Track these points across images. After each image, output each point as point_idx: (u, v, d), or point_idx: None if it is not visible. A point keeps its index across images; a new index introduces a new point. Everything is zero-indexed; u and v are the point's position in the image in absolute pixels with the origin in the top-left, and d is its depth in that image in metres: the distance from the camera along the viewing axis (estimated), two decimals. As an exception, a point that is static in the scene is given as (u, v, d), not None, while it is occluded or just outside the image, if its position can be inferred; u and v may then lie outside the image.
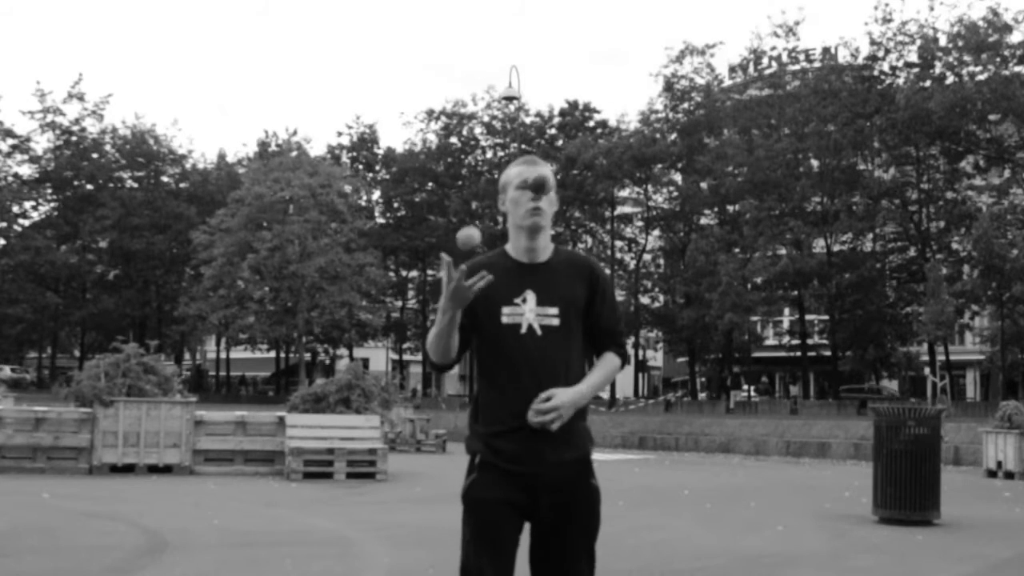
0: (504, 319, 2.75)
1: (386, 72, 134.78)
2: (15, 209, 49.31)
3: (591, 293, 2.82)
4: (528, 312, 2.75)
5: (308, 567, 6.47)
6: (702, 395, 49.15)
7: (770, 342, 47.47)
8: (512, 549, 2.74)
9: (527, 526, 2.81)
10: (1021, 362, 37.91)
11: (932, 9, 57.00)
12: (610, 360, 2.86)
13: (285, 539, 7.75)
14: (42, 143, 50.61)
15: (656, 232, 48.79)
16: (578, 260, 2.89)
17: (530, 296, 2.77)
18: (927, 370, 39.64)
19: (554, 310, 2.76)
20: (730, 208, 43.57)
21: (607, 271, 2.86)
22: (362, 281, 44.41)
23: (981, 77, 35.23)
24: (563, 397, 2.64)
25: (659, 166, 44.94)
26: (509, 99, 31.33)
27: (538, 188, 2.77)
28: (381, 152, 53.38)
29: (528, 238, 2.80)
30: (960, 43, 35.52)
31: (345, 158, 52.76)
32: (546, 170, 2.83)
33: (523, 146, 44.13)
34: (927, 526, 9.18)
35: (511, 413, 2.70)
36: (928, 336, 34.54)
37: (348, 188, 46.46)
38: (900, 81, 38.62)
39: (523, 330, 2.74)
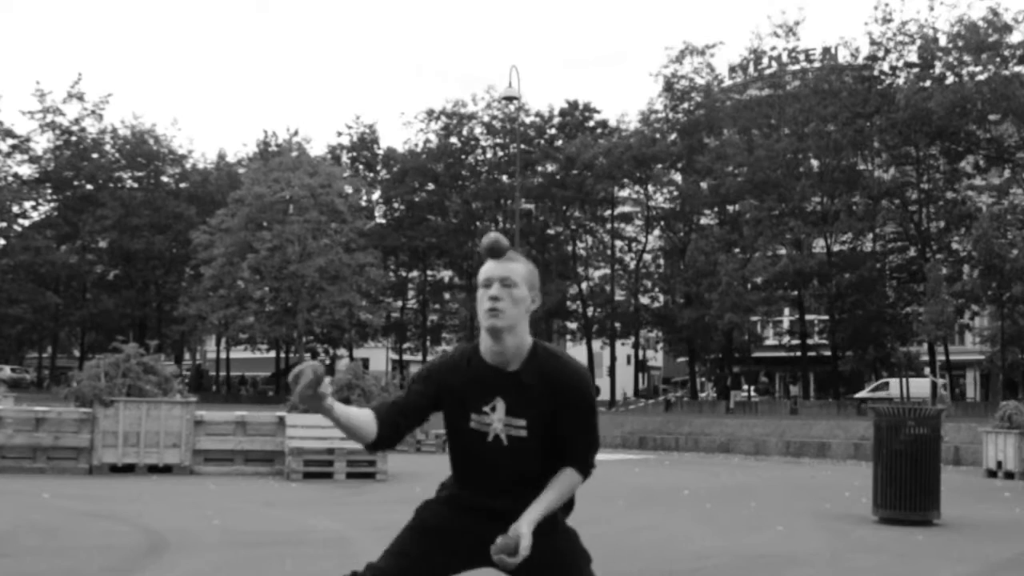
0: (472, 424, 2.67)
1: (386, 72, 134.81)
2: (15, 209, 49.26)
3: (562, 409, 2.65)
4: (496, 422, 2.64)
5: (308, 567, 6.46)
6: (703, 395, 49.10)
7: (770, 342, 47.47)
8: (441, 557, 2.67)
9: None
10: (1021, 362, 37.91)
11: (932, 9, 57.01)
12: (570, 476, 2.67)
13: (285, 539, 7.74)
14: (42, 143, 50.63)
15: (656, 232, 48.80)
16: (555, 372, 2.65)
17: (500, 405, 2.64)
18: (927, 370, 39.65)
19: (522, 421, 2.63)
20: (730, 208, 43.58)
21: (591, 386, 2.76)
22: (362, 281, 44.40)
23: (981, 77, 35.23)
24: (527, 542, 2.49)
25: (659, 166, 44.95)
26: (509, 99, 31.33)
27: (493, 252, 2.60)
28: (381, 152, 53.38)
29: (493, 341, 2.62)
30: (960, 43, 35.53)
31: (345, 158, 52.77)
32: (515, 265, 2.64)
33: (523, 146, 44.08)
34: (927, 526, 9.18)
35: (469, 503, 2.70)
36: (928, 336, 34.54)
37: (348, 188, 46.46)
38: (900, 81, 38.62)
39: (489, 438, 2.65)
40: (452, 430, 2.71)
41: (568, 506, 2.75)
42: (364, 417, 2.65)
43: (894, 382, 42.08)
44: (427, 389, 2.70)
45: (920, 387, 40.00)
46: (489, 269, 2.65)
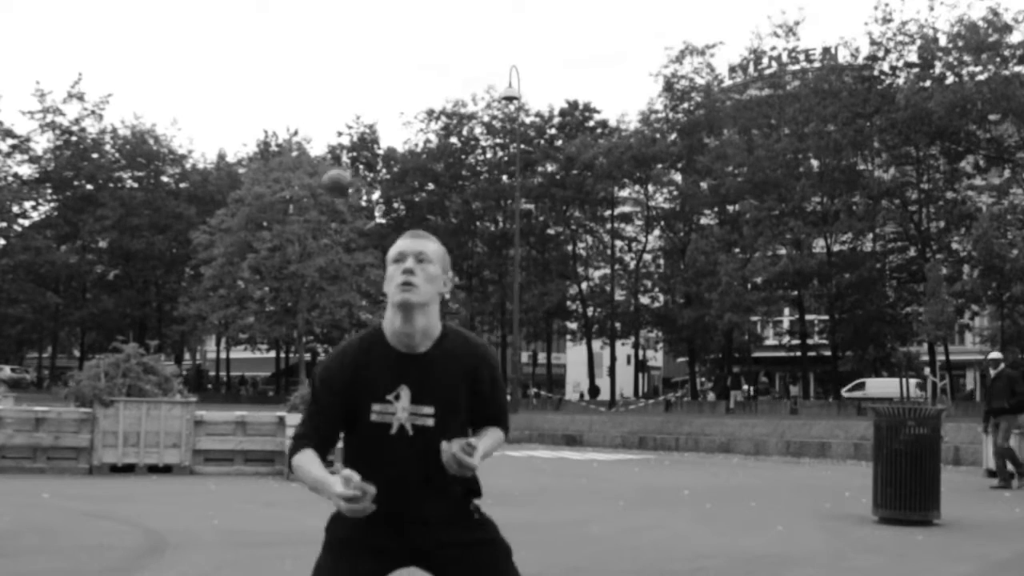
0: (373, 417, 2.48)
1: (386, 72, 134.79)
2: (15, 209, 49.29)
3: (474, 389, 2.53)
4: (400, 411, 2.47)
5: (308, 567, 6.44)
6: (709, 395, 49.09)
7: (770, 342, 47.48)
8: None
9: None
10: (1021, 362, 37.86)
11: (932, 9, 57.03)
12: (494, 433, 2.58)
13: (285, 539, 7.74)
14: (42, 143, 50.69)
15: (656, 232, 48.81)
16: (462, 350, 2.53)
17: (404, 392, 2.47)
18: (927, 370, 39.63)
19: (429, 409, 2.48)
20: (730, 208, 43.56)
21: (498, 356, 2.56)
22: (362, 281, 44.42)
23: (981, 77, 35.21)
24: (478, 461, 2.39)
25: (659, 166, 44.95)
26: (509, 99, 31.42)
27: (336, 188, 2.52)
28: (381, 152, 53.41)
29: (403, 320, 2.45)
30: (960, 43, 35.51)
31: (345, 158, 52.79)
32: (428, 243, 2.54)
33: (523, 146, 44.10)
34: (927, 526, 9.17)
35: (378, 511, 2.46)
36: (928, 336, 34.52)
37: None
38: (900, 81, 38.60)
39: (393, 430, 2.47)
40: (351, 427, 2.53)
41: (476, 491, 2.62)
42: (318, 464, 2.50)
43: (870, 382, 42.32)
44: (335, 393, 2.51)
45: (893, 387, 40.32)
46: (402, 244, 2.53)
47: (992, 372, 14.78)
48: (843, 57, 41.14)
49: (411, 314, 2.46)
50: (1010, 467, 13.79)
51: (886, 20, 38.07)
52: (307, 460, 2.46)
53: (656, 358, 62.27)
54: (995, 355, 15.48)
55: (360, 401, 2.49)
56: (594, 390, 49.76)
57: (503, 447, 2.56)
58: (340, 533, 2.58)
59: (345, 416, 2.52)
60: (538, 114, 50.36)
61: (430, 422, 2.48)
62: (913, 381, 40.07)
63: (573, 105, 50.28)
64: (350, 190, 2.89)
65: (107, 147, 52.25)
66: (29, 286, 48.85)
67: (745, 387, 42.08)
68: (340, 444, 2.64)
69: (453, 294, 52.75)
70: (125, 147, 51.99)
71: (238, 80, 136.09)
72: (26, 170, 50.58)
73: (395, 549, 2.56)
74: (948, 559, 7.50)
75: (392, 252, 2.54)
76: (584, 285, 48.82)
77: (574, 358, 62.62)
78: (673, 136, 44.95)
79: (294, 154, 47.28)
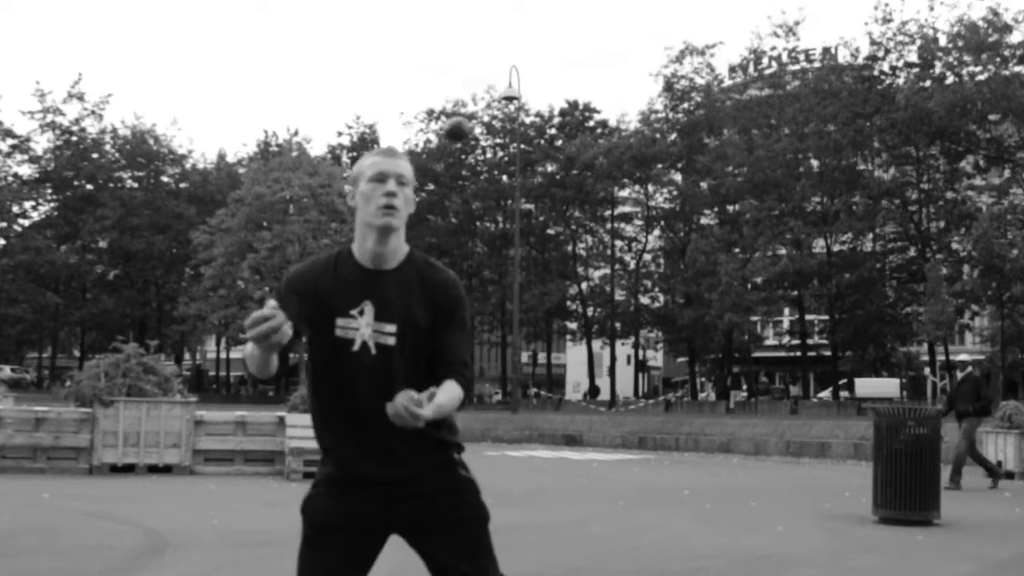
0: (337, 332, 2.44)
1: (386, 72, 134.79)
2: (15, 209, 49.30)
3: (436, 315, 2.47)
4: (364, 327, 2.43)
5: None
6: (703, 395, 49.11)
7: (770, 342, 47.48)
8: (347, 566, 2.51)
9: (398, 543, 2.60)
10: (1021, 362, 37.88)
11: (932, 9, 56.97)
12: (453, 387, 2.42)
13: (285, 539, 7.70)
14: (42, 143, 50.68)
15: (656, 232, 48.81)
16: (431, 275, 2.50)
17: (368, 308, 2.44)
18: (927, 370, 39.65)
19: (391, 327, 2.43)
20: (730, 208, 43.56)
21: (464, 292, 2.59)
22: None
23: (981, 77, 35.22)
24: (428, 412, 2.26)
25: (659, 166, 44.95)
26: (509, 99, 31.39)
27: (456, 135, 2.49)
28: (381, 152, 53.35)
29: (377, 241, 2.46)
30: (960, 43, 35.51)
31: (345, 158, 52.78)
32: (404, 163, 2.54)
33: (523, 146, 44.09)
34: (927, 526, 9.17)
35: (336, 433, 2.49)
36: (928, 336, 34.52)
37: (348, 188, 46.45)
38: (900, 81, 38.61)
39: (355, 347, 2.43)
40: (314, 344, 2.48)
41: (458, 446, 2.56)
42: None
43: (858, 381, 42.48)
44: (298, 294, 2.44)
45: (884, 386, 40.35)
46: (381, 164, 2.50)
47: (959, 374, 14.98)
48: (843, 57, 41.17)
49: (388, 236, 2.46)
50: (989, 466, 14.25)
51: (886, 20, 38.09)
52: (248, 345, 2.36)
53: (656, 358, 62.26)
54: (962, 358, 15.92)
55: (323, 314, 2.45)
56: (594, 390, 49.76)
57: (458, 411, 2.46)
58: (316, 517, 2.53)
59: (307, 323, 2.45)
60: (538, 114, 50.37)
61: (391, 340, 2.43)
62: (895, 381, 40.22)
63: (573, 105, 50.27)
64: (467, 136, 2.94)
65: (107, 147, 52.24)
66: (29, 286, 48.86)
67: (745, 387, 42.06)
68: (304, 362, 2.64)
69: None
70: (125, 147, 51.98)
71: (238, 80, 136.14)
72: (26, 170, 50.62)
73: (375, 522, 2.51)
74: (948, 559, 7.50)
75: (369, 169, 2.50)
76: (584, 285, 48.81)
77: (574, 358, 62.61)
78: (673, 136, 44.94)
79: (294, 154, 47.28)
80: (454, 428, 2.58)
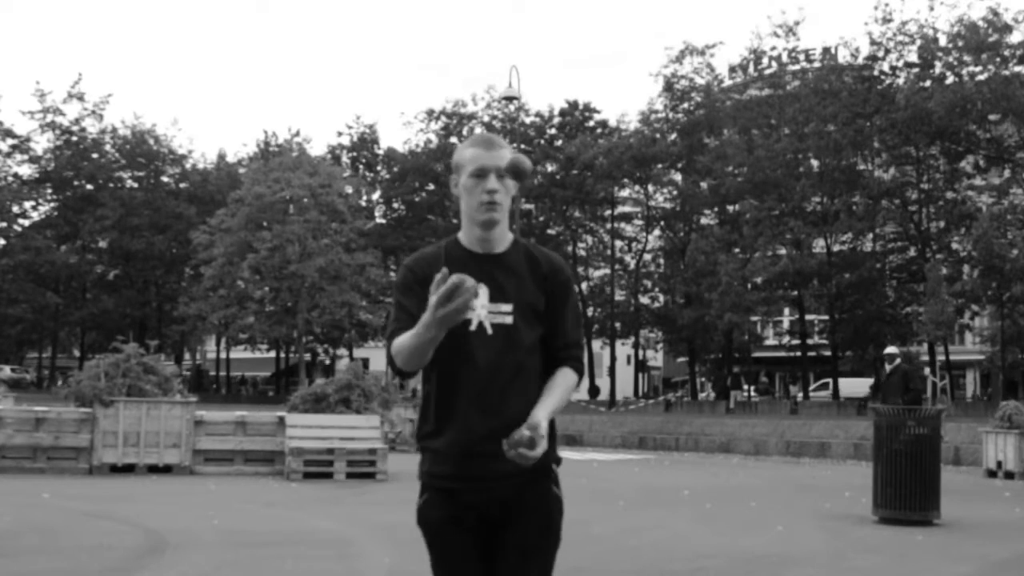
0: None
1: (386, 72, 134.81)
2: (15, 209, 49.33)
3: (549, 295, 2.55)
4: (480, 308, 2.49)
5: (308, 567, 6.47)
6: (703, 395, 49.13)
7: (770, 342, 47.48)
8: (472, 566, 2.54)
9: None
10: (1021, 362, 37.86)
11: (932, 9, 57.02)
12: (567, 376, 2.55)
13: (285, 539, 7.75)
14: (42, 143, 50.70)
15: (656, 232, 48.81)
16: (540, 257, 2.59)
17: (483, 291, 2.49)
18: (927, 370, 39.63)
19: (507, 307, 2.50)
20: (730, 208, 43.57)
21: (573, 275, 2.56)
22: (362, 281, 44.43)
23: (981, 77, 35.21)
24: (543, 429, 2.37)
25: (659, 166, 44.95)
26: (509, 99, 31.31)
27: (517, 175, 2.50)
28: (381, 152, 53.39)
29: (481, 234, 2.55)
30: (960, 43, 35.51)
31: (345, 158, 52.80)
32: (505, 153, 2.53)
33: (523, 146, 44.10)
34: (927, 526, 9.18)
35: (458, 420, 2.50)
36: (928, 336, 34.50)
37: (348, 188, 46.48)
38: (900, 81, 38.61)
39: (472, 327, 2.48)
40: None
41: (556, 459, 2.60)
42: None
43: (841, 381, 42.54)
44: (417, 294, 2.48)
45: (857, 386, 40.43)
46: (480, 157, 2.52)
47: (887, 366, 14.31)
48: (843, 57, 41.17)
49: (493, 228, 2.53)
50: None
51: (886, 20, 38.09)
52: (402, 337, 2.41)
53: (656, 358, 62.27)
54: (891, 350, 14.89)
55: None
56: (594, 390, 49.80)
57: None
58: (432, 515, 2.57)
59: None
60: (538, 114, 50.39)
61: (508, 319, 2.50)
62: (869, 380, 40.27)
63: (573, 105, 50.28)
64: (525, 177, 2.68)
65: (107, 147, 52.25)
66: (29, 286, 48.87)
67: (745, 387, 42.03)
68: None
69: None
70: (125, 147, 51.99)
71: (238, 80, 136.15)
72: (26, 170, 50.64)
73: (479, 512, 2.53)
74: (948, 559, 7.50)
75: (470, 164, 2.53)
76: (584, 285, 48.82)
77: (574, 358, 62.51)
78: (673, 136, 44.94)
79: (294, 154, 47.27)
80: (559, 458, 2.65)
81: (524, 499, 2.54)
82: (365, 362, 27.35)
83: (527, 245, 2.62)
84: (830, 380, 43.11)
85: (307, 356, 49.56)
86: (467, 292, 2.21)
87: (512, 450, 2.34)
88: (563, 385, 2.53)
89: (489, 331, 2.49)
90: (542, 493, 2.57)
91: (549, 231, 50.08)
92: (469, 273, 2.34)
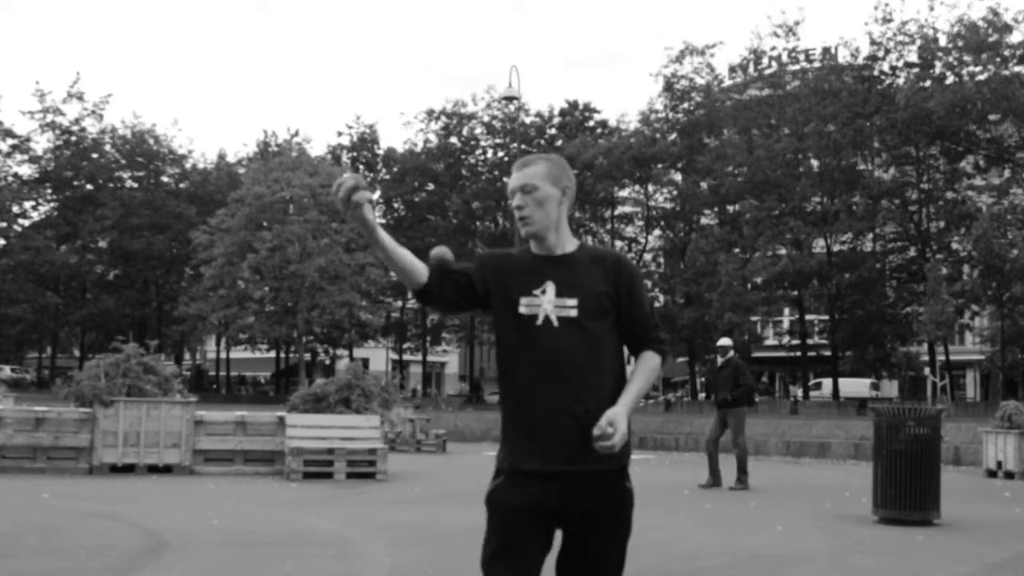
0: (521, 309, 2.70)
1: (386, 72, 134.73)
2: (15, 209, 49.32)
3: (615, 287, 2.73)
4: (546, 303, 2.69)
5: (308, 567, 6.47)
6: (703, 395, 49.12)
7: (770, 342, 47.47)
8: (533, 555, 2.66)
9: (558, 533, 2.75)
10: (1021, 362, 37.88)
11: (932, 9, 57.08)
12: (649, 360, 2.76)
13: (285, 539, 7.74)
14: (42, 143, 50.71)
15: (656, 232, 48.81)
16: (602, 254, 2.81)
17: (550, 287, 2.70)
18: (927, 370, 39.64)
19: (572, 301, 2.69)
20: (730, 208, 43.59)
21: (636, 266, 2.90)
22: (362, 281, 44.41)
23: (981, 77, 35.25)
24: (622, 425, 2.56)
25: (659, 166, 44.96)
26: (509, 99, 31.33)
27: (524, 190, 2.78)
28: (381, 152, 53.40)
29: (535, 243, 2.79)
30: (960, 43, 35.54)
31: (345, 158, 52.79)
32: (532, 169, 2.77)
33: (523, 146, 44.10)
34: (927, 526, 9.17)
35: (533, 411, 2.65)
36: (928, 336, 34.53)
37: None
38: (900, 81, 38.64)
39: (539, 321, 2.67)
40: (502, 324, 2.73)
41: (628, 453, 2.76)
42: (413, 258, 2.69)
43: (827, 381, 42.48)
44: (477, 269, 2.76)
45: (851, 386, 40.33)
46: (511, 180, 2.79)
47: (720, 359, 13.30)
48: (843, 57, 41.19)
49: (540, 239, 2.77)
50: (716, 473, 12.67)
51: (886, 20, 38.13)
52: (403, 248, 2.69)
53: (656, 358, 62.18)
54: (724, 342, 13.60)
55: (508, 294, 2.73)
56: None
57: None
58: (503, 499, 2.69)
59: (493, 296, 2.75)
60: (538, 114, 50.40)
61: (573, 312, 2.68)
62: (866, 381, 40.20)
63: (573, 105, 50.29)
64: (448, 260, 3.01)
65: (107, 147, 52.25)
66: (29, 286, 48.87)
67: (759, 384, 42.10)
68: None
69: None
70: (125, 147, 52.00)
71: (238, 80, 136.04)
72: (26, 170, 50.64)
73: (551, 503, 2.66)
74: (948, 559, 7.50)
75: (508, 190, 2.83)
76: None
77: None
78: (673, 136, 44.95)
79: (294, 154, 47.29)
80: (630, 452, 2.79)
81: (601, 493, 2.70)
82: (365, 362, 27.38)
83: (591, 248, 2.84)
84: (822, 381, 43.13)
85: (307, 356, 49.54)
86: (348, 181, 2.47)
87: (595, 443, 2.53)
88: (645, 370, 2.75)
89: (555, 324, 2.68)
90: (618, 487, 2.74)
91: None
92: (537, 272, 2.72)
